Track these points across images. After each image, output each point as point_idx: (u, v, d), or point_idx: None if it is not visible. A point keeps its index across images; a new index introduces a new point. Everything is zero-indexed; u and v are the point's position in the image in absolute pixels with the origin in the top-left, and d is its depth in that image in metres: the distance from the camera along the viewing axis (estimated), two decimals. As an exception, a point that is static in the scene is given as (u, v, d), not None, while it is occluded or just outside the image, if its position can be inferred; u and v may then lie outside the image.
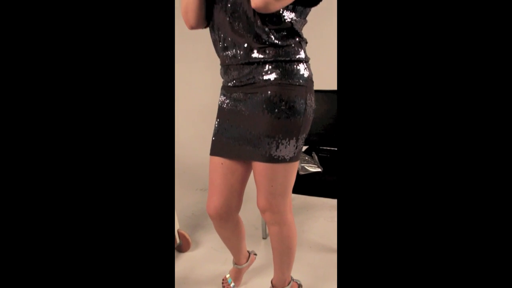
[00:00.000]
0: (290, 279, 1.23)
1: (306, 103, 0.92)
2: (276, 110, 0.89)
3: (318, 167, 1.49)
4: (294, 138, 0.93)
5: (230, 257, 1.51)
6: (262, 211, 1.03)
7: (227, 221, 1.11)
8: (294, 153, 0.95)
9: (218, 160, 1.04)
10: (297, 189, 1.46)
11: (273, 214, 1.02)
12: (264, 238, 1.74)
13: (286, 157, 0.94)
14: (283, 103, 0.89)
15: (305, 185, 1.46)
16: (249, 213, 1.93)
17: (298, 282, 1.28)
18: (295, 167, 0.99)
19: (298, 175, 1.46)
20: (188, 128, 2.94)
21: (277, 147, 0.92)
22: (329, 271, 1.45)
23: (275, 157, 0.93)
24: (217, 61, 1.03)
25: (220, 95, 1.04)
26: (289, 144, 0.92)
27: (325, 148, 1.82)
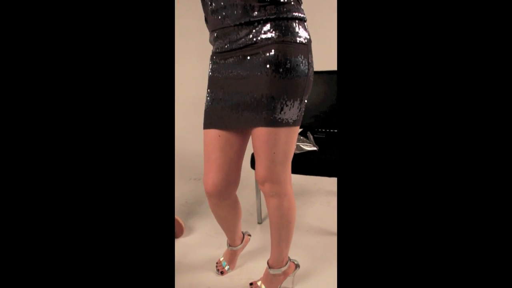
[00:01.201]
0: (287, 259, 1.18)
1: (308, 63, 0.89)
2: (281, 69, 0.86)
3: (314, 146, 1.46)
4: (298, 99, 0.90)
5: (224, 241, 1.46)
6: (262, 182, 0.98)
7: (226, 198, 1.06)
8: (297, 116, 0.91)
9: (214, 132, 0.99)
10: (293, 169, 1.42)
11: (273, 184, 0.97)
12: (260, 223, 1.70)
13: (289, 120, 0.90)
14: (288, 61, 0.86)
15: (302, 164, 1.42)
16: (244, 198, 1.89)
17: (296, 262, 1.23)
18: (296, 132, 0.95)
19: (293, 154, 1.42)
20: (181, 120, 2.90)
21: (282, 109, 0.88)
22: (327, 253, 1.42)
23: (279, 120, 0.89)
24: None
25: (211, 64, 0.99)
26: (293, 106, 0.89)
27: (321, 130, 1.79)
